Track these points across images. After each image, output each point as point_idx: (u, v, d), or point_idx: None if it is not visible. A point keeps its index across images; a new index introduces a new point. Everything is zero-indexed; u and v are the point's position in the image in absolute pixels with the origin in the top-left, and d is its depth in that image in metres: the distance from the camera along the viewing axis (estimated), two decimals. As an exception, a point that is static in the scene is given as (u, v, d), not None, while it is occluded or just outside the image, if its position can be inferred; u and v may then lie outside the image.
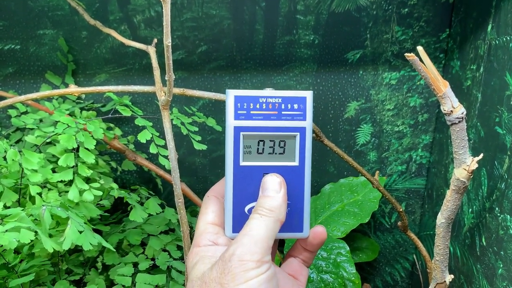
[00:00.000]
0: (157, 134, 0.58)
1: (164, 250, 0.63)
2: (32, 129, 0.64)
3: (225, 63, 0.70)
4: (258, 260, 0.36)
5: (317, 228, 0.44)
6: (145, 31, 0.67)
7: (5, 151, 0.53)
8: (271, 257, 0.45)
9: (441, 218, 0.54)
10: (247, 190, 0.42)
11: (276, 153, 0.42)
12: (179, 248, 0.64)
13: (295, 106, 0.42)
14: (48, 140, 0.59)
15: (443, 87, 0.46)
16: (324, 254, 0.65)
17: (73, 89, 0.52)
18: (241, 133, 0.41)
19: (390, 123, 0.74)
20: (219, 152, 0.75)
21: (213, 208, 0.43)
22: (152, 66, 0.53)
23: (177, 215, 0.64)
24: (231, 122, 0.41)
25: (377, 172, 0.64)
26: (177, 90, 0.53)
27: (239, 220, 0.41)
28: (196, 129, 0.61)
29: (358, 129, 0.75)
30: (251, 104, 0.41)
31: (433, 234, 0.75)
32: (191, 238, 0.59)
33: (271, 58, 0.70)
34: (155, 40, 0.55)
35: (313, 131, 0.60)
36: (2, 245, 0.48)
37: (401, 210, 0.65)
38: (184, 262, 0.58)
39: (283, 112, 0.41)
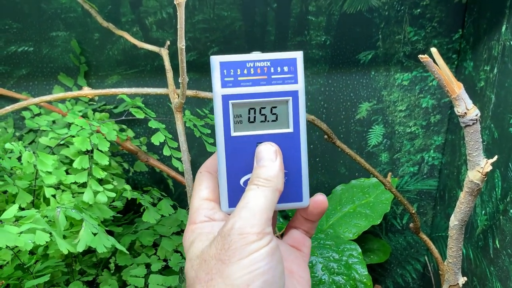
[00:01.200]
0: (170, 136, 0.58)
1: (176, 251, 0.63)
2: (45, 130, 0.65)
3: (236, 64, 0.70)
4: (259, 232, 0.34)
5: (317, 196, 0.42)
6: (156, 33, 0.68)
7: (20, 153, 0.53)
8: (273, 228, 0.43)
9: (454, 220, 0.53)
10: (241, 162, 0.40)
11: (268, 121, 0.40)
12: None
13: (285, 68, 0.39)
14: (61, 142, 0.59)
15: (457, 89, 0.45)
16: (336, 255, 0.65)
17: (86, 91, 0.52)
18: (230, 101, 0.39)
19: (402, 124, 0.74)
20: (230, 153, 0.75)
21: (207, 184, 0.41)
22: (164, 68, 0.53)
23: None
24: (218, 90, 0.39)
25: (389, 173, 0.64)
26: (190, 92, 0.53)
27: (235, 194, 0.39)
28: (209, 131, 0.61)
29: (370, 130, 0.74)
30: (238, 70, 0.38)
31: (445, 235, 0.75)
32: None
33: (283, 59, 0.70)
34: (168, 42, 0.56)
35: (325, 132, 0.60)
36: (18, 247, 0.48)
37: (413, 211, 0.64)
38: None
39: (273, 76, 0.39)
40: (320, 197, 0.42)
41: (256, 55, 0.39)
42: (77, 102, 0.69)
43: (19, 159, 0.58)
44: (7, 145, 0.53)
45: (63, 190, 0.57)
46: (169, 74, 0.52)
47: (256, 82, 0.39)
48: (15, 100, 0.69)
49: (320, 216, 0.43)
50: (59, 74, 0.70)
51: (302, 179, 0.41)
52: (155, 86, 0.70)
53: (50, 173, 0.51)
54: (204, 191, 0.41)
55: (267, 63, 0.39)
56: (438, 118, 0.73)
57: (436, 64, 0.46)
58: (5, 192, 0.57)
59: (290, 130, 0.40)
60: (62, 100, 0.69)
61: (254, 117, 0.40)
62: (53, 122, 0.66)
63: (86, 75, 0.70)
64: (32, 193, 0.56)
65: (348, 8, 0.67)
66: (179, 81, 0.46)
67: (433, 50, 0.44)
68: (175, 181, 0.70)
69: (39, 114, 0.68)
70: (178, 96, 0.49)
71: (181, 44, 0.42)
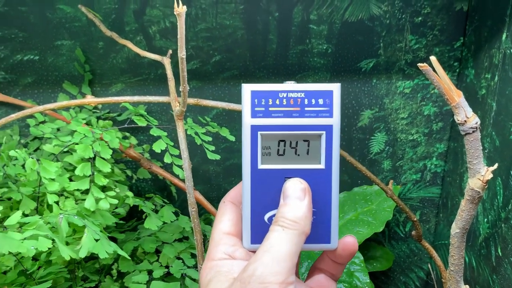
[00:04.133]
0: (172, 143, 0.58)
1: (178, 258, 0.64)
2: (49, 138, 0.66)
3: (238, 72, 0.70)
4: (282, 282, 0.31)
5: (347, 238, 0.39)
6: (160, 42, 0.68)
7: (24, 160, 0.54)
8: (295, 270, 0.39)
9: (456, 228, 0.53)
10: (267, 196, 0.37)
11: (299, 155, 0.38)
12: (193, 256, 0.64)
13: (320, 101, 0.37)
14: (65, 150, 0.60)
15: (456, 97, 0.46)
16: (338, 263, 0.65)
17: (90, 99, 0.53)
18: (259, 132, 0.37)
19: (404, 131, 0.74)
20: (233, 160, 0.76)
21: (230, 216, 0.38)
22: (167, 76, 0.54)
23: (191, 223, 0.65)
24: (247, 120, 0.37)
25: (391, 181, 0.64)
26: (191, 101, 0.54)
27: (259, 230, 0.37)
28: (210, 139, 0.62)
29: (372, 137, 0.74)
30: (270, 100, 0.37)
31: (448, 243, 0.75)
32: (205, 247, 0.60)
33: (284, 68, 0.70)
34: (170, 52, 0.56)
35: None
36: (21, 253, 0.49)
37: (415, 219, 0.64)
38: (198, 270, 0.58)
39: (306, 108, 0.37)
40: (350, 239, 0.39)
41: (289, 85, 0.37)
42: (81, 110, 0.70)
43: (23, 166, 0.59)
44: (12, 153, 0.54)
45: (66, 197, 0.57)
46: (171, 83, 0.53)
47: (288, 114, 0.37)
48: (20, 108, 0.70)
49: (349, 259, 0.40)
50: (64, 82, 0.70)
51: (332, 220, 0.38)
52: (158, 94, 0.71)
53: (53, 180, 0.52)
54: (225, 224, 0.38)
55: (301, 94, 0.37)
56: (440, 126, 0.73)
57: (436, 72, 0.46)
58: (9, 198, 0.58)
59: (322, 166, 0.38)
60: (67, 108, 0.70)
61: (284, 150, 0.38)
62: (58, 129, 0.67)
63: (91, 83, 0.71)
64: (36, 200, 0.57)
65: (350, 17, 0.67)
66: (180, 89, 0.46)
67: (432, 58, 0.44)
68: (178, 188, 0.70)
69: (43, 122, 0.69)
70: (180, 104, 0.50)
71: (182, 53, 0.43)
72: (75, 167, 0.59)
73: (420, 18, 0.67)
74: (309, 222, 0.35)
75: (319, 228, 0.38)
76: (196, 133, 0.61)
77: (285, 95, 0.37)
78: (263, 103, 0.37)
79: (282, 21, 0.68)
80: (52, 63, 0.70)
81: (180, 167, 0.57)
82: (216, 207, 0.42)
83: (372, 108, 0.73)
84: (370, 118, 0.73)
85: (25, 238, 0.45)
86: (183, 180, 0.64)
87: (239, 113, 0.72)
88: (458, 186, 0.71)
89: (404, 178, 0.77)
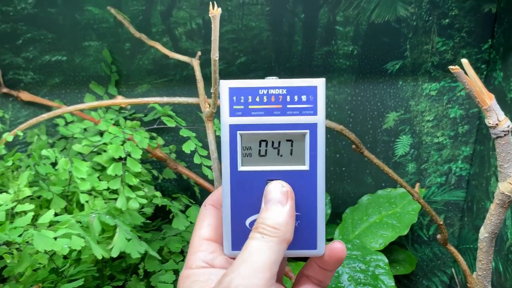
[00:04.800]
0: (200, 144, 0.59)
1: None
2: (77, 138, 0.66)
3: (263, 73, 0.71)
4: None
5: (335, 244, 0.36)
6: (186, 43, 0.69)
7: (56, 160, 0.55)
8: (279, 277, 0.39)
9: (484, 232, 0.52)
10: (248, 200, 0.35)
11: (282, 156, 0.35)
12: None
13: (304, 98, 0.34)
14: (94, 150, 0.61)
15: (488, 100, 0.45)
16: (363, 266, 0.65)
17: (120, 100, 0.53)
18: (238, 132, 0.35)
19: (429, 134, 0.73)
20: (256, 161, 0.76)
21: (210, 221, 0.36)
22: (193, 77, 0.54)
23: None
24: (225, 119, 0.35)
25: (417, 184, 0.64)
26: (219, 102, 0.54)
27: (240, 236, 0.34)
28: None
29: (397, 140, 0.74)
30: (250, 97, 0.34)
31: (473, 247, 0.74)
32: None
33: (309, 69, 0.70)
34: (199, 53, 0.57)
35: (353, 142, 0.60)
36: (53, 251, 0.50)
37: (441, 223, 0.64)
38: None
39: (288, 106, 0.34)
40: (338, 245, 0.36)
41: (270, 81, 0.35)
42: (108, 110, 0.71)
43: (53, 165, 0.60)
44: (44, 152, 0.55)
45: (95, 196, 0.58)
46: (200, 84, 0.53)
47: (269, 112, 0.34)
48: (47, 108, 0.71)
49: (337, 266, 0.37)
50: (91, 82, 0.71)
51: (318, 224, 0.36)
52: (183, 95, 0.71)
53: (84, 179, 0.53)
54: (205, 229, 0.36)
55: (283, 91, 0.34)
56: (467, 129, 0.73)
57: (467, 74, 0.45)
58: (39, 197, 0.59)
59: (306, 167, 0.35)
60: (94, 108, 0.71)
61: (266, 150, 0.35)
62: (85, 129, 0.68)
63: (117, 84, 0.71)
64: (65, 199, 0.57)
65: (376, 18, 0.67)
66: (211, 91, 0.47)
67: (464, 61, 0.44)
68: (201, 188, 0.71)
69: (71, 122, 0.70)
70: (210, 106, 0.50)
71: (215, 55, 0.43)
72: (102, 167, 0.60)
73: (447, 20, 0.67)
74: (291, 228, 0.33)
75: (304, 233, 0.36)
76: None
77: (265, 92, 0.35)
78: (242, 100, 0.35)
79: (308, 22, 0.68)
80: (80, 63, 0.71)
81: (209, 167, 0.57)
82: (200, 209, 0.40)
83: (398, 110, 0.72)
84: (395, 120, 0.73)
85: (57, 237, 0.46)
86: (209, 181, 0.64)
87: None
88: (484, 190, 0.70)
89: (429, 181, 0.76)
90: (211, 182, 0.62)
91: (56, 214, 0.54)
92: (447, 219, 0.79)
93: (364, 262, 0.66)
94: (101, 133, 0.65)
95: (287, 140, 0.35)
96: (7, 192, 0.54)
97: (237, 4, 0.66)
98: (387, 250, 0.78)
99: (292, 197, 0.34)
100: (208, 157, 0.57)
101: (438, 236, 0.67)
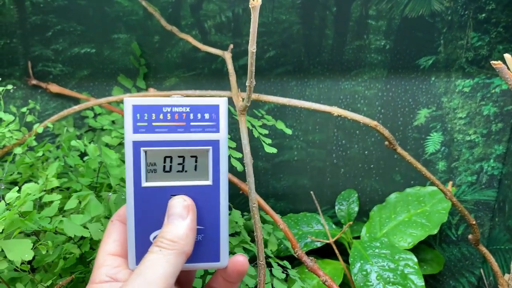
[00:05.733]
0: (228, 136, 0.58)
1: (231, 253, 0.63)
2: (104, 130, 0.66)
3: (292, 68, 0.70)
4: None
5: (237, 257, 0.37)
6: (215, 36, 0.68)
7: (85, 150, 0.55)
8: (190, 284, 0.41)
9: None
10: (152, 215, 0.36)
11: (186, 171, 0.36)
12: (246, 250, 0.64)
13: (206, 115, 0.36)
14: (123, 141, 0.60)
15: (534, 97, 0.44)
16: (392, 265, 0.64)
17: (152, 93, 0.53)
18: (142, 148, 0.36)
19: (461, 132, 0.72)
20: (282, 157, 0.75)
21: (116, 236, 0.37)
22: (221, 71, 0.54)
23: (242, 218, 0.64)
24: (129, 136, 0.35)
25: (450, 182, 0.62)
26: (252, 96, 0.53)
27: (143, 250, 0.34)
28: (266, 132, 0.61)
29: (428, 137, 0.72)
30: (153, 115, 0.36)
31: (504, 248, 0.72)
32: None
33: (340, 63, 0.69)
34: (231, 46, 0.56)
35: (387, 139, 0.58)
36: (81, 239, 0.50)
37: (473, 222, 0.62)
38: (253, 266, 0.58)
39: (192, 123, 0.36)
40: (240, 258, 0.37)
41: (174, 100, 0.36)
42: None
43: (81, 157, 0.60)
44: (73, 142, 0.55)
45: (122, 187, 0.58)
46: (233, 78, 0.53)
47: (173, 129, 0.36)
48: (75, 100, 0.72)
49: (240, 278, 0.38)
50: (119, 75, 0.71)
51: (220, 237, 0.37)
52: (211, 89, 0.71)
53: (114, 166, 0.53)
54: (111, 245, 0.36)
55: (186, 109, 0.36)
56: (500, 127, 0.71)
57: (510, 70, 0.44)
58: (68, 188, 0.59)
59: (209, 182, 0.37)
60: (121, 102, 0.71)
61: (170, 166, 0.37)
62: (113, 122, 0.68)
63: (145, 77, 0.71)
64: (94, 190, 0.57)
65: (410, 12, 0.65)
66: (247, 84, 0.46)
67: (507, 56, 0.43)
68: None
69: (100, 114, 0.70)
70: (243, 100, 0.49)
71: (252, 47, 0.42)
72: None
73: (484, 15, 0.65)
74: (190, 241, 0.34)
75: (208, 246, 0.37)
76: (253, 126, 0.60)
77: (169, 110, 0.36)
78: (146, 117, 0.36)
79: (339, 16, 0.66)
80: (108, 56, 0.71)
81: (237, 159, 0.56)
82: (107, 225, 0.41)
83: (429, 107, 0.71)
84: (427, 117, 0.71)
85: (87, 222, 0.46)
86: (236, 174, 0.64)
87: (293, 109, 0.72)
88: (518, 190, 0.68)
89: (459, 180, 0.75)
90: (239, 175, 0.62)
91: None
92: (477, 219, 0.77)
93: (393, 261, 0.65)
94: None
95: (192, 156, 0.37)
96: (36, 182, 0.55)
97: (267, -3, 0.66)
98: (414, 249, 0.77)
99: (194, 211, 0.35)
100: (235, 149, 0.56)
101: (470, 236, 0.66)
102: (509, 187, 0.71)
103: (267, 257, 0.61)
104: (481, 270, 0.80)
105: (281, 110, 0.73)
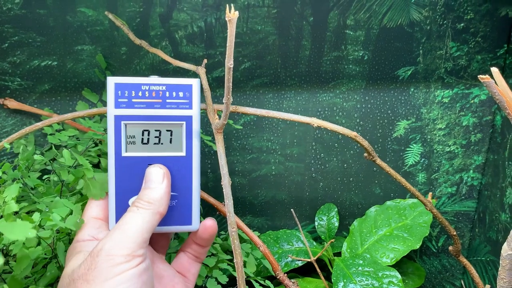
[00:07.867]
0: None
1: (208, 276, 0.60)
2: (66, 146, 0.61)
3: (268, 80, 0.67)
4: (128, 255, 0.34)
5: (207, 221, 0.43)
6: (187, 47, 0.65)
7: (50, 164, 0.50)
8: (163, 250, 0.45)
9: (508, 249, 0.49)
10: (131, 183, 0.40)
11: (162, 143, 0.41)
12: (224, 272, 0.61)
13: (181, 94, 0.40)
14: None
15: (522, 112, 0.42)
16: (376, 283, 0.61)
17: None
18: (122, 122, 0.40)
19: (441, 143, 0.70)
20: (260, 171, 0.72)
21: (98, 202, 0.42)
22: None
23: (219, 238, 0.61)
24: (111, 111, 0.40)
25: (430, 194, 0.61)
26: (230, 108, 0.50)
27: (122, 214, 0.38)
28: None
29: (407, 149, 0.71)
30: (133, 92, 0.40)
31: (485, 260, 0.71)
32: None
33: (317, 75, 0.66)
34: (205, 61, 0.53)
35: (366, 150, 0.56)
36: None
37: (454, 233, 0.61)
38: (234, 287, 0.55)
39: (167, 100, 0.40)
40: (209, 222, 0.43)
41: (152, 79, 0.40)
42: (102, 119, 0.66)
43: (40, 178, 0.55)
44: (36, 157, 0.51)
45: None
46: (208, 93, 0.49)
47: (151, 105, 0.40)
48: (36, 116, 0.66)
49: (210, 242, 0.44)
50: (84, 89, 0.67)
51: (193, 203, 0.42)
52: (184, 103, 0.67)
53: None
54: (94, 209, 0.41)
55: (162, 87, 0.40)
56: (479, 137, 0.70)
57: (497, 85, 0.43)
58: (28, 212, 0.54)
59: (183, 153, 0.41)
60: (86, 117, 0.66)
61: (148, 139, 0.41)
62: (77, 138, 0.63)
63: (112, 91, 0.67)
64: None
65: (388, 22, 0.64)
66: (224, 101, 0.42)
67: (494, 70, 0.41)
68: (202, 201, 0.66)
69: (59, 130, 0.65)
70: (219, 117, 0.46)
71: (229, 63, 0.39)
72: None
73: (462, 24, 0.64)
74: (165, 203, 0.39)
75: (181, 211, 0.42)
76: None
77: (147, 88, 0.40)
78: (126, 94, 0.40)
79: (316, 26, 0.64)
80: (71, 69, 0.66)
81: (214, 178, 0.53)
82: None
83: (409, 118, 0.69)
84: (406, 128, 0.70)
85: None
86: (208, 190, 0.60)
87: (270, 123, 0.69)
88: (498, 201, 0.67)
89: (439, 191, 0.73)
90: (213, 190, 0.58)
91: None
92: (457, 230, 0.76)
93: (377, 278, 0.62)
94: (94, 142, 0.60)
95: (167, 130, 0.41)
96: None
97: (242, 6, 0.62)
98: (396, 263, 0.75)
99: (168, 178, 0.40)
100: (210, 163, 0.53)
101: (450, 248, 0.64)
102: (489, 198, 0.70)
103: (247, 276, 0.58)
104: (462, 282, 0.79)
105: (258, 123, 0.70)
